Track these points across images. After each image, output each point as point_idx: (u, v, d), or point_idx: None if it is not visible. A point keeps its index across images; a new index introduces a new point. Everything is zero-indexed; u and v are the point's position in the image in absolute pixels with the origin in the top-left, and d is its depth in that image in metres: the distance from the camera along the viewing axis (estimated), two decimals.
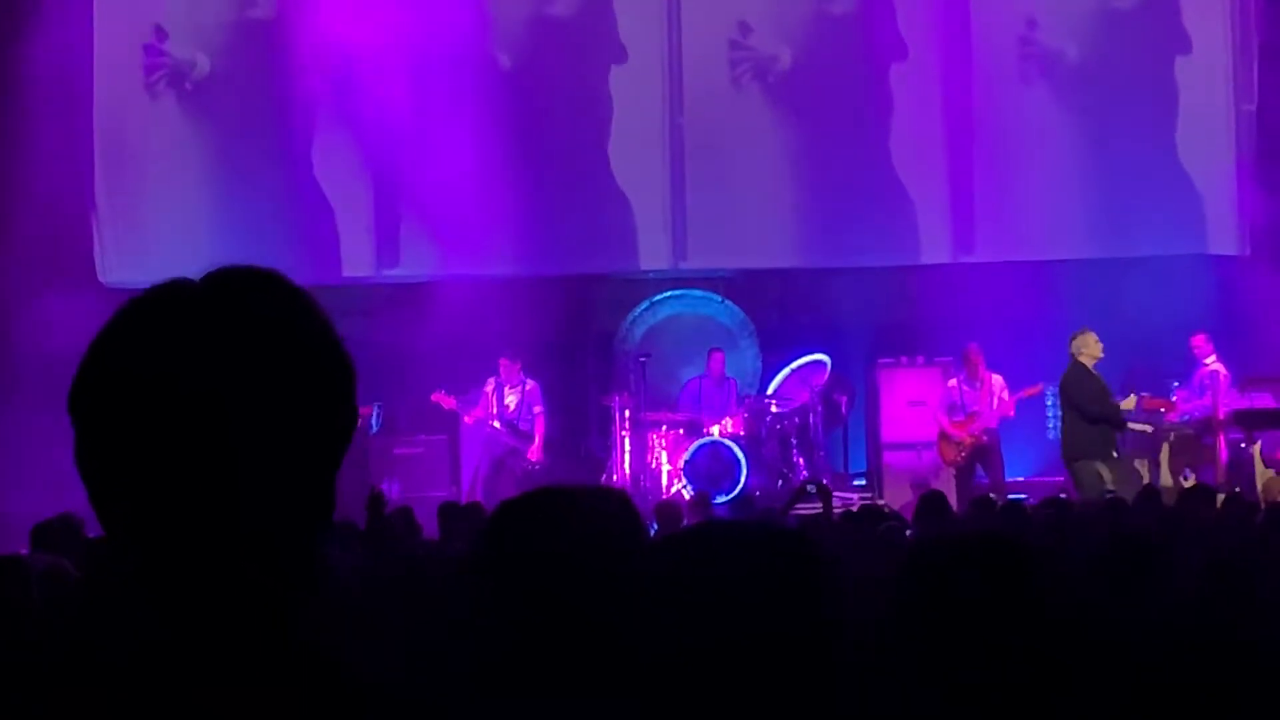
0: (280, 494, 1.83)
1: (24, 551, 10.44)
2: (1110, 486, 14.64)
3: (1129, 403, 16.12)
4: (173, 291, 1.87)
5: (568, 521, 3.35)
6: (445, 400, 18.02)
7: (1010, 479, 17.26)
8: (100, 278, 18.78)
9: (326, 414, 1.87)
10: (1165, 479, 15.26)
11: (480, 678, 3.31)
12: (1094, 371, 15.73)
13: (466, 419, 18.23)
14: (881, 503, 15.24)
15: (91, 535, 9.61)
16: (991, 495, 14.32)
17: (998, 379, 17.31)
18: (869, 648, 3.06)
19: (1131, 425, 16.09)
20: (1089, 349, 15.74)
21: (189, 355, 1.80)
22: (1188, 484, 14.70)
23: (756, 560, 2.73)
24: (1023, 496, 14.79)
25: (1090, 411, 15.49)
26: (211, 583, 1.80)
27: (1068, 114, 19.25)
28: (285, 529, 1.85)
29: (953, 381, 17.88)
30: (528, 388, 18.17)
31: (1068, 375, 15.86)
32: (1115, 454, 15.63)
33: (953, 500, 13.60)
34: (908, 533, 10.20)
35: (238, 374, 1.80)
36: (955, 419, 17.41)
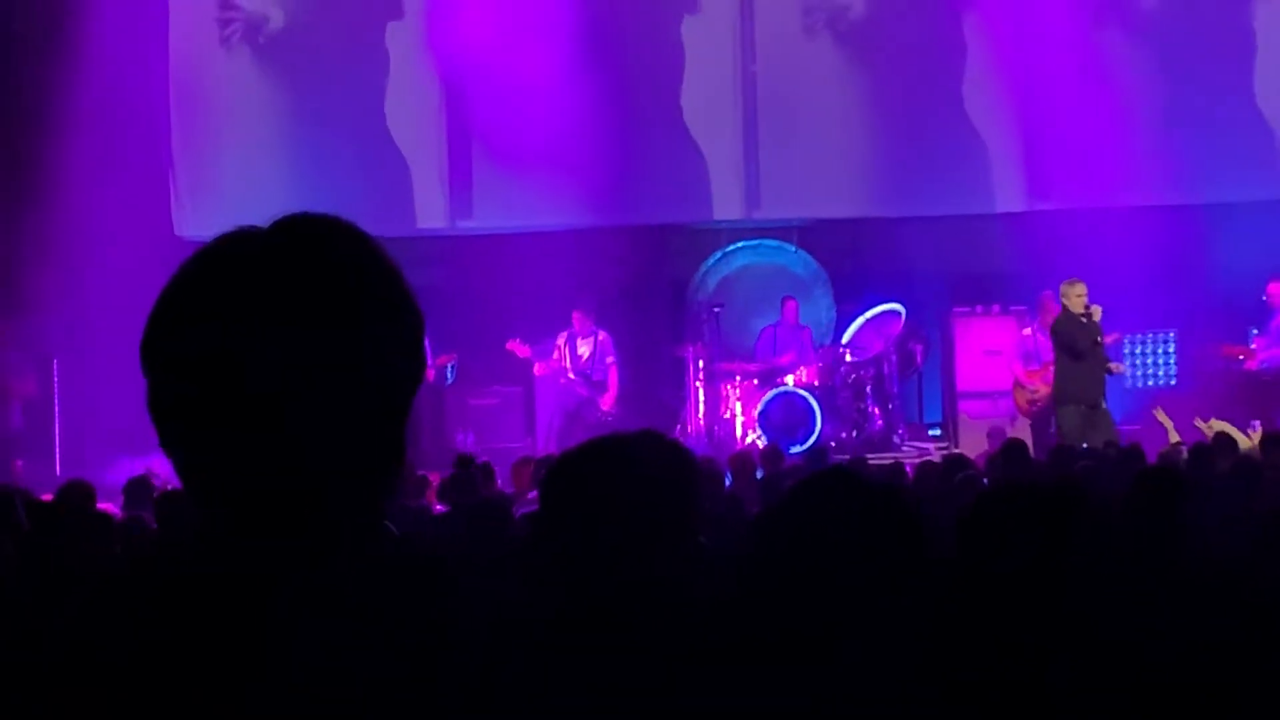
0: (349, 442, 1.83)
1: (108, 506, 10.57)
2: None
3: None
4: (240, 239, 1.87)
5: (618, 472, 3.35)
6: (520, 348, 18.05)
7: None
8: (176, 231, 18.88)
9: (395, 361, 1.87)
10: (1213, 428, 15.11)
11: (534, 631, 3.32)
12: (1078, 317, 15.72)
13: (538, 370, 18.27)
14: (958, 452, 15.18)
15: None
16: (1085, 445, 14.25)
17: None
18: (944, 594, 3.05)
19: (1110, 366, 16.05)
20: (1068, 300, 15.81)
21: (257, 303, 1.80)
22: (1255, 436, 14.55)
23: (869, 512, 2.74)
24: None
25: (1079, 348, 15.64)
26: (280, 531, 1.81)
27: (1142, 58, 19.04)
28: (354, 477, 1.85)
29: (1027, 330, 17.80)
30: (600, 339, 18.20)
31: (1056, 321, 16.00)
32: (1101, 404, 15.71)
33: (1031, 448, 13.54)
34: (984, 481, 10.18)
35: (306, 320, 1.80)
36: (1030, 367, 17.34)
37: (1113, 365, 16.02)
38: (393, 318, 1.87)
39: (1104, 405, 15.73)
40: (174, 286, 1.86)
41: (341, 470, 1.83)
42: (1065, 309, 15.83)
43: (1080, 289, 15.81)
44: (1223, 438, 12.95)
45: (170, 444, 1.85)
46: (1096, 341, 15.74)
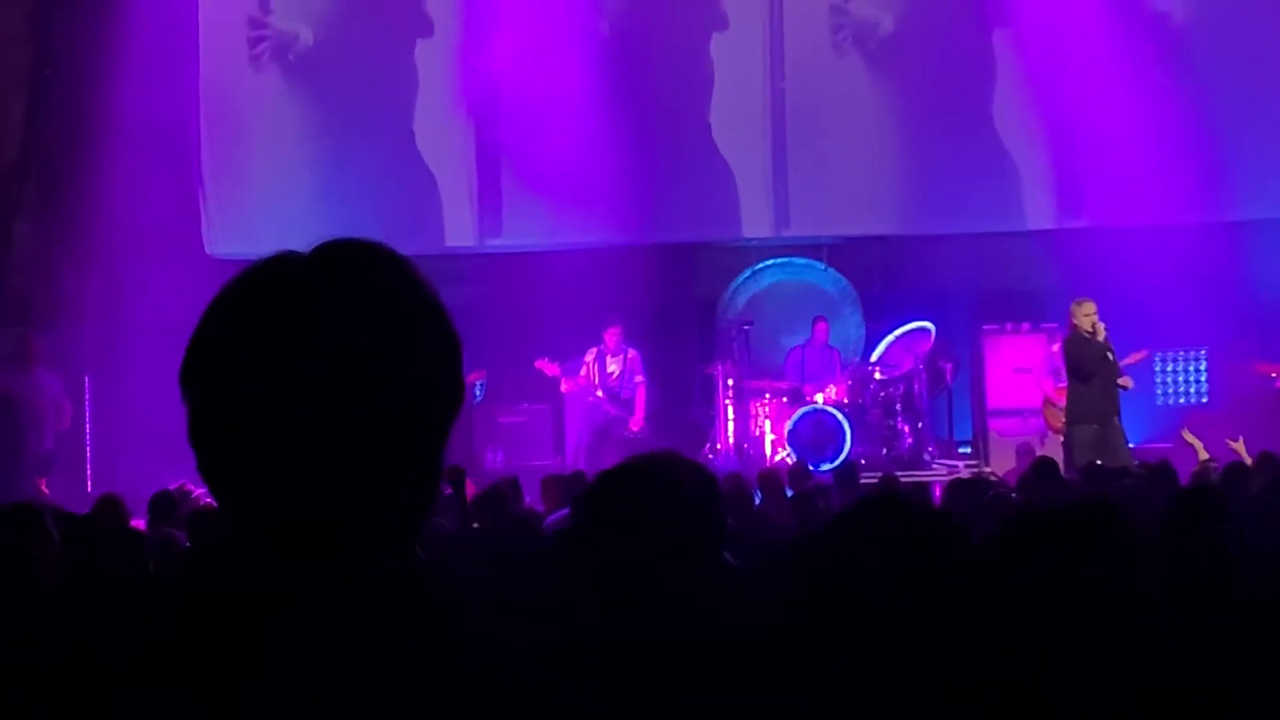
0: (391, 468, 1.82)
1: (139, 523, 10.60)
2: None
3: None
4: (281, 264, 1.87)
5: (645, 492, 3.39)
6: (548, 367, 18.06)
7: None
8: (207, 249, 18.93)
9: (436, 385, 1.87)
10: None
11: (567, 646, 3.33)
12: (1086, 337, 15.76)
13: (566, 387, 18.28)
14: (988, 470, 15.16)
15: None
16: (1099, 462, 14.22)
17: None
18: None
19: (1120, 381, 16.05)
20: (1076, 319, 15.87)
21: (298, 328, 1.80)
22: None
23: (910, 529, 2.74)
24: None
25: (1087, 370, 15.68)
26: (315, 554, 1.81)
27: (1174, 75, 18.98)
28: (394, 502, 1.84)
29: (1056, 347, 17.77)
30: (629, 356, 18.20)
31: (1064, 341, 16.12)
32: (1113, 421, 15.72)
33: (1061, 467, 13.51)
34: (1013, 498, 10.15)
35: (346, 346, 1.80)
36: (1060, 385, 17.29)
37: (1122, 380, 16.02)
38: (435, 343, 1.87)
39: (1116, 423, 15.71)
40: (215, 311, 1.86)
41: (381, 496, 1.83)
42: (1074, 328, 15.87)
43: (1089, 308, 15.82)
44: (1264, 457, 12.89)
45: (209, 468, 1.84)
46: (1105, 360, 15.73)
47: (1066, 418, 15.96)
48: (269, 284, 1.86)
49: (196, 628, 1.78)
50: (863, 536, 2.84)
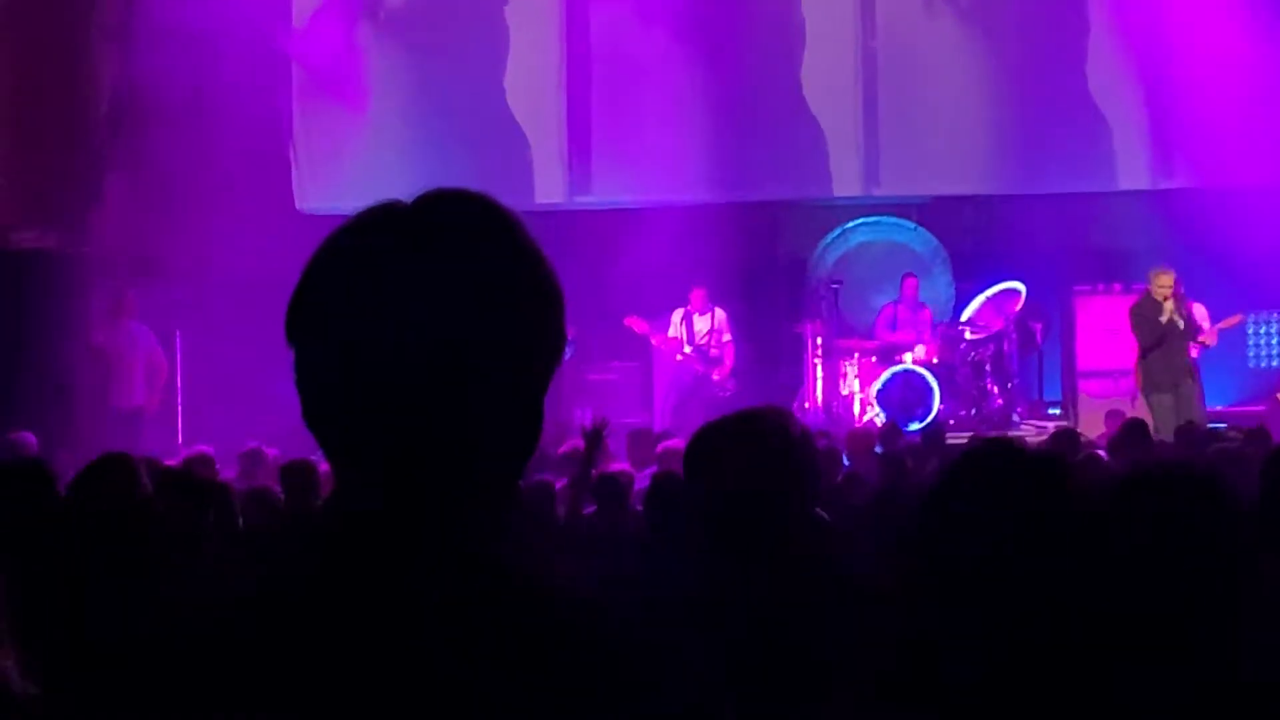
0: (494, 418, 1.83)
1: (231, 477, 10.70)
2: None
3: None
4: (385, 214, 1.87)
5: (745, 447, 3.41)
6: (638, 324, 18.07)
7: (1210, 408, 16.96)
8: (297, 205, 19.03)
9: (538, 336, 1.87)
10: None
11: (671, 599, 3.33)
12: (1154, 306, 15.88)
13: (655, 342, 18.29)
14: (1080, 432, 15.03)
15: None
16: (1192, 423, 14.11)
17: (1200, 308, 16.96)
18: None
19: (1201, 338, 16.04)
20: (1151, 287, 16.08)
21: (404, 278, 1.80)
22: None
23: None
24: (1221, 425, 14.54)
25: (1144, 343, 15.84)
26: (422, 509, 1.81)
27: (1270, 32, 18.70)
28: (498, 453, 1.85)
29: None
30: (717, 315, 18.18)
31: (1131, 308, 16.25)
32: (1185, 384, 15.88)
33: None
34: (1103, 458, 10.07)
35: (452, 296, 1.80)
36: None
37: (1203, 336, 16.05)
38: (537, 292, 1.87)
39: (1189, 387, 15.74)
40: (320, 258, 1.86)
41: (483, 441, 1.83)
42: (1146, 294, 15.86)
43: (1165, 279, 15.89)
44: None
45: (314, 414, 1.85)
46: (1169, 329, 15.71)
47: (1141, 387, 15.96)
48: (375, 230, 1.86)
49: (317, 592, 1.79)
50: (975, 483, 2.82)
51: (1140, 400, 17.24)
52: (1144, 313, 15.84)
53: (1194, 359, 16.15)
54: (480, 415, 1.81)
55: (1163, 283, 15.82)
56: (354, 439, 1.83)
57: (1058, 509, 2.75)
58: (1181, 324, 15.84)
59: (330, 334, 1.82)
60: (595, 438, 8.61)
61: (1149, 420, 15.26)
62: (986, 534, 2.75)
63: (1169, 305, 15.78)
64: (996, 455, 2.95)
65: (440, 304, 1.80)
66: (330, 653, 1.74)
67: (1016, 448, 3.06)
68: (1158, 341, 15.69)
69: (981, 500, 2.79)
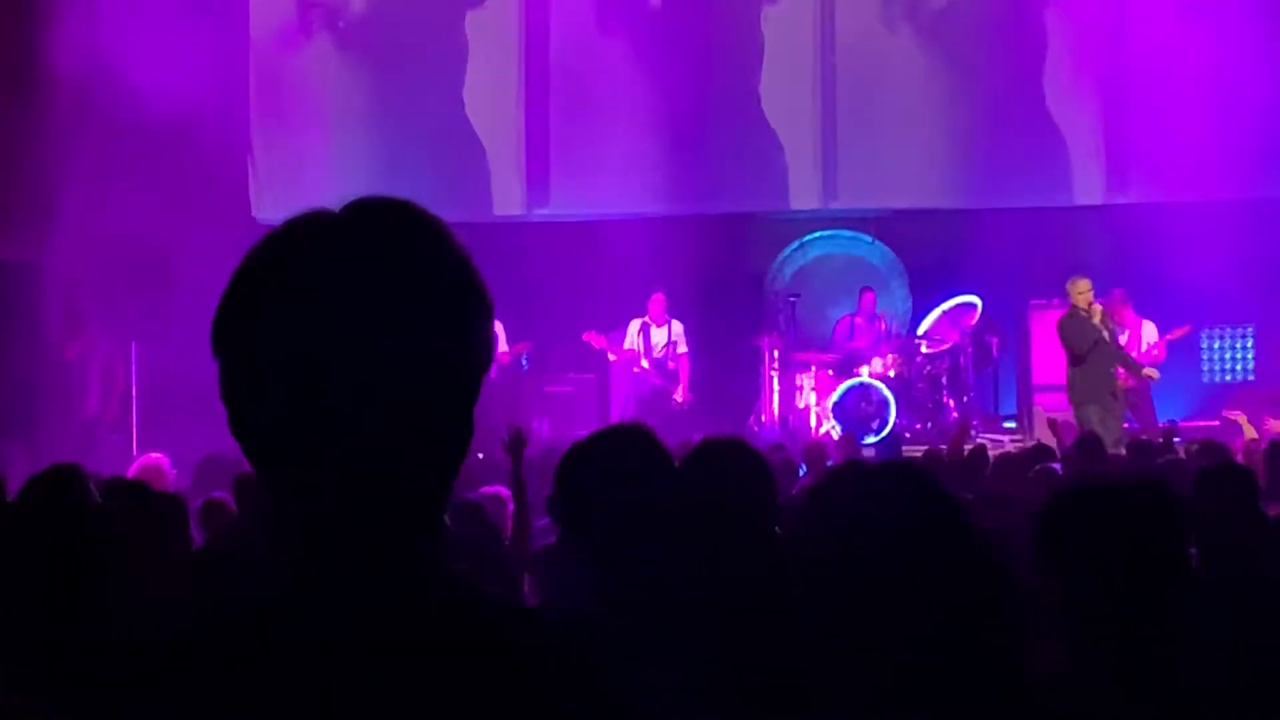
0: (417, 425, 1.82)
1: (185, 488, 10.65)
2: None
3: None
4: (311, 221, 1.87)
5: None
6: (596, 339, 18.08)
7: (1162, 422, 17.04)
8: (255, 214, 18.99)
9: (466, 346, 1.86)
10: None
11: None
12: (1082, 317, 15.79)
13: (613, 357, 18.29)
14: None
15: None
16: (1146, 438, 14.16)
17: (1149, 327, 17.09)
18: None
19: (1146, 371, 16.09)
20: (1073, 297, 15.94)
21: (328, 285, 1.80)
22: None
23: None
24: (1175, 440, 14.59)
25: (1078, 351, 15.74)
26: (347, 514, 1.81)
27: (1225, 49, 18.80)
28: (423, 462, 1.84)
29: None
30: (674, 327, 18.20)
31: (1059, 321, 16.14)
32: (1114, 398, 15.80)
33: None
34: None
35: (376, 302, 1.80)
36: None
37: (1147, 371, 16.04)
38: (463, 301, 1.86)
39: (1115, 402, 15.72)
40: (245, 268, 1.86)
41: (409, 451, 1.82)
42: (1071, 308, 15.83)
43: (1082, 286, 15.82)
44: None
45: (239, 427, 1.85)
46: (1099, 341, 15.69)
47: (1070, 399, 15.91)
48: (300, 240, 1.85)
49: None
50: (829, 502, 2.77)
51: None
52: (1075, 322, 15.80)
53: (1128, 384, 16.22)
54: (406, 425, 1.81)
55: (1081, 289, 15.81)
56: (279, 450, 1.82)
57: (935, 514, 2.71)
58: (1108, 334, 15.87)
59: (255, 344, 1.81)
60: (516, 447, 8.56)
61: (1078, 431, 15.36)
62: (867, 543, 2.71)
63: (1097, 309, 15.81)
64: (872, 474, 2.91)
65: (365, 313, 1.79)
66: (290, 676, 1.75)
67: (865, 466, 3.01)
68: (1091, 347, 15.67)
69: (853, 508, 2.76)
